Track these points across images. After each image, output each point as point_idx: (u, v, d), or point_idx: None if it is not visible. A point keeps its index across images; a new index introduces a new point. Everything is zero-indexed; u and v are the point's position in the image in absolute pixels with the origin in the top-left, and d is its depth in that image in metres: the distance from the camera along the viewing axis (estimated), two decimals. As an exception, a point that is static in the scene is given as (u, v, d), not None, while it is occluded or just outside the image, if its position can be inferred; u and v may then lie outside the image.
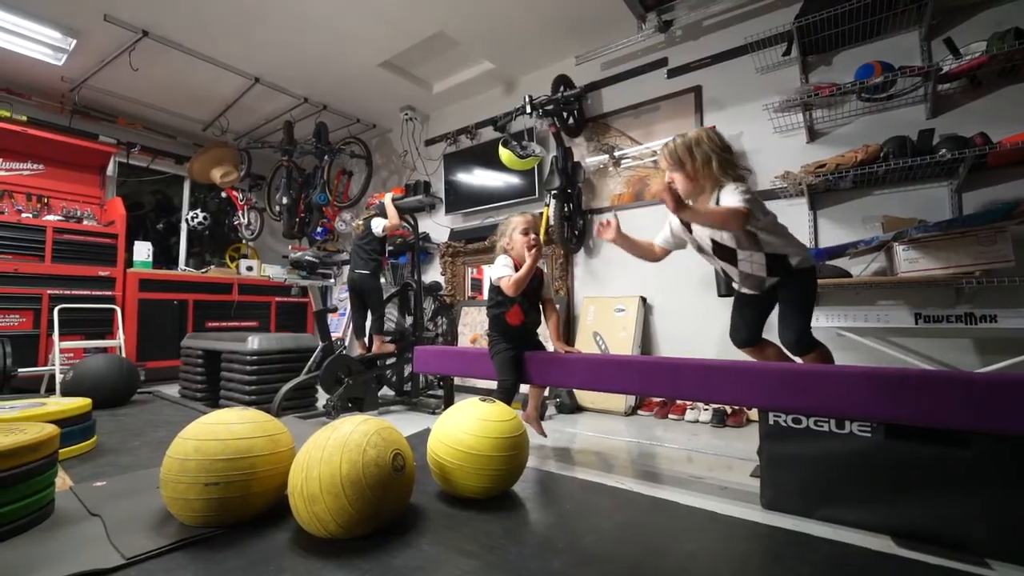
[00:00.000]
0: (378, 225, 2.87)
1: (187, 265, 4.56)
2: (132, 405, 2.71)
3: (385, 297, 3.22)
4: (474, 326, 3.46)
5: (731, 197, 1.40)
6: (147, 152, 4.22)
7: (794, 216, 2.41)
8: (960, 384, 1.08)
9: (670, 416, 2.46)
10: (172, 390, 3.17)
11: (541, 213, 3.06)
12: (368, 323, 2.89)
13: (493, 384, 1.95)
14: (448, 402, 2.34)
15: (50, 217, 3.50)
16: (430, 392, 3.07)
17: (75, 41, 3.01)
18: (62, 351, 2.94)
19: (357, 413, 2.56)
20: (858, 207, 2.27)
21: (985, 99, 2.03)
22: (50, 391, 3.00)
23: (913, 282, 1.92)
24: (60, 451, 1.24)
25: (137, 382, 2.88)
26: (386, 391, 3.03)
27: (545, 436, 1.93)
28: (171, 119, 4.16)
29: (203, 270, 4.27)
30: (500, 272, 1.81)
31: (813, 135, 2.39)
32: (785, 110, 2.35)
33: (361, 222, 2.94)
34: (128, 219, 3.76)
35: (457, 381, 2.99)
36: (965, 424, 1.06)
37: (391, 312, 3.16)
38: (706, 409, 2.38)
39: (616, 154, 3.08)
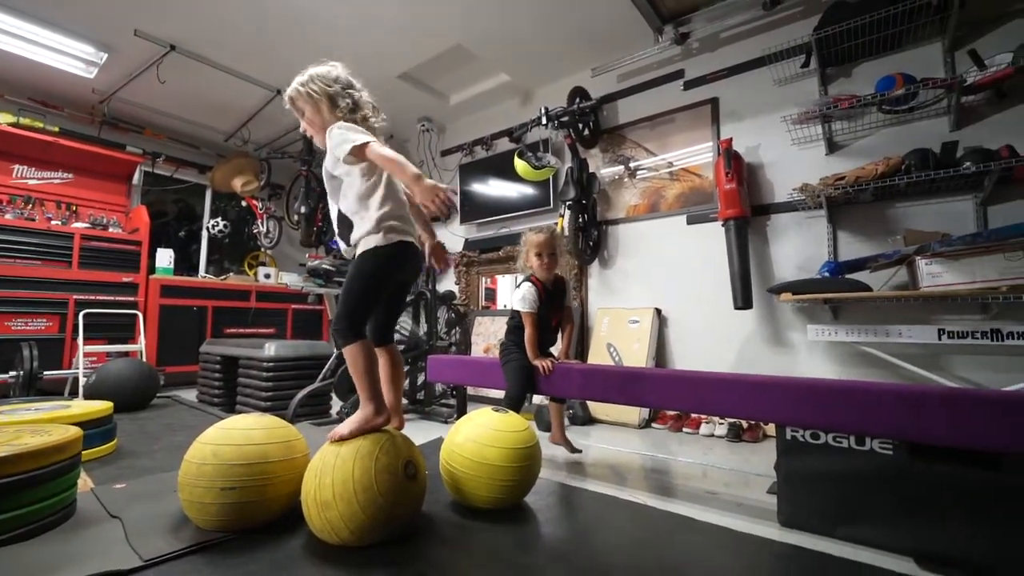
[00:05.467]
0: None
1: (207, 272, 4.66)
2: (152, 409, 2.77)
3: (399, 305, 3.24)
4: (488, 336, 3.46)
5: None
6: (171, 162, 4.35)
7: (813, 229, 2.38)
8: (988, 403, 1.04)
9: (684, 430, 2.42)
10: (190, 395, 3.22)
11: (556, 223, 3.07)
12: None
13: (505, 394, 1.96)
14: (461, 411, 2.34)
15: (78, 224, 3.61)
16: (443, 401, 3.08)
17: (107, 55, 3.13)
18: (86, 355, 3.02)
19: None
20: (879, 220, 2.23)
21: (1011, 111, 1.99)
22: (73, 394, 3.08)
23: (936, 297, 1.88)
24: (82, 453, 1.27)
25: (157, 386, 2.93)
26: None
27: (579, 451, 1.92)
28: (195, 130, 4.28)
29: (222, 277, 4.36)
30: (521, 306, 1.83)
31: (832, 147, 2.36)
32: (803, 122, 2.33)
33: None
34: (151, 227, 3.86)
35: (470, 391, 2.99)
36: (992, 444, 1.03)
37: (405, 321, 3.18)
38: (721, 423, 2.34)
39: (631, 165, 3.08)
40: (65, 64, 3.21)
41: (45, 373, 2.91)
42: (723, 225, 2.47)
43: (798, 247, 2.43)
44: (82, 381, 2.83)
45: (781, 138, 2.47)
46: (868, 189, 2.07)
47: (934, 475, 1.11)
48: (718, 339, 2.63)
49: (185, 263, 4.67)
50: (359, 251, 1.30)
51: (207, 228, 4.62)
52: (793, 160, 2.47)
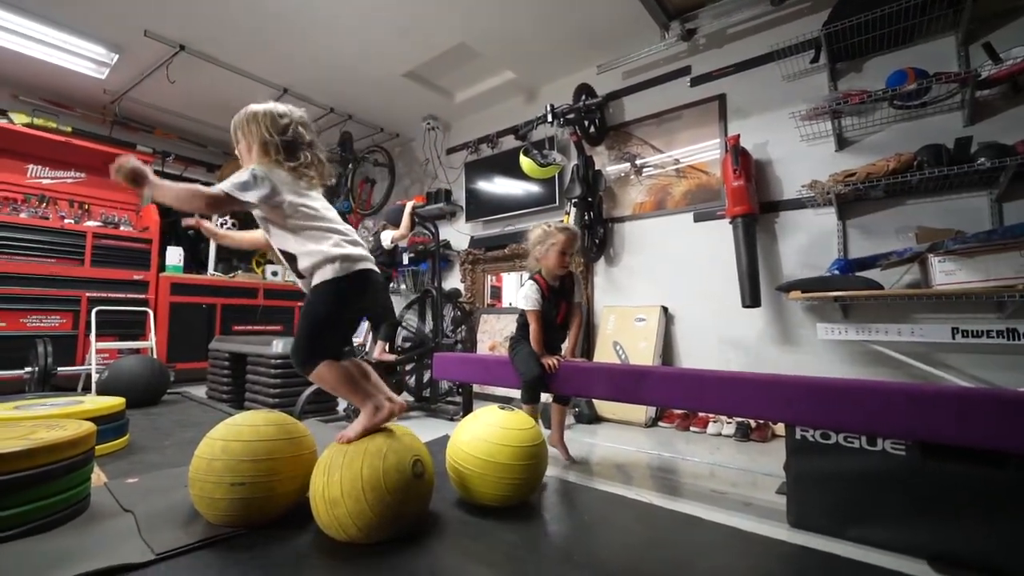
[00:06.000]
0: (386, 237, 2.91)
1: (216, 270, 4.70)
2: (162, 405, 2.80)
3: (406, 304, 3.26)
4: (493, 333, 3.47)
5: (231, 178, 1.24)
6: (181, 161, 4.39)
7: (822, 226, 2.36)
8: (1002, 402, 1.03)
9: (692, 429, 2.41)
10: (200, 391, 3.26)
11: (561, 220, 3.06)
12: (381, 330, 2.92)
13: (511, 392, 1.95)
14: (467, 409, 2.34)
15: (90, 223, 3.66)
16: (448, 399, 3.09)
17: (117, 56, 3.16)
18: (98, 351, 3.06)
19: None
20: (890, 217, 2.20)
21: (1026, 105, 1.95)
22: (86, 390, 3.12)
23: (950, 295, 1.85)
24: (96, 448, 1.29)
25: (167, 383, 2.97)
26: (405, 396, 3.05)
27: (573, 461, 1.91)
28: (203, 129, 4.32)
29: (231, 275, 4.40)
30: (525, 305, 1.83)
31: (842, 143, 2.33)
32: (813, 118, 2.30)
33: (372, 237, 2.99)
34: (161, 225, 3.90)
35: (476, 388, 3.00)
36: (1006, 444, 1.01)
37: (411, 318, 3.19)
38: (729, 422, 2.33)
39: (638, 162, 3.07)
40: (77, 65, 3.24)
41: (59, 369, 2.95)
42: (731, 222, 2.45)
43: (807, 245, 2.41)
44: (95, 377, 2.87)
45: (790, 134, 2.44)
46: (879, 186, 2.04)
47: (947, 475, 1.10)
48: (726, 337, 2.62)
49: (194, 261, 4.71)
50: (314, 282, 1.26)
51: (216, 226, 4.65)
52: (802, 157, 2.44)
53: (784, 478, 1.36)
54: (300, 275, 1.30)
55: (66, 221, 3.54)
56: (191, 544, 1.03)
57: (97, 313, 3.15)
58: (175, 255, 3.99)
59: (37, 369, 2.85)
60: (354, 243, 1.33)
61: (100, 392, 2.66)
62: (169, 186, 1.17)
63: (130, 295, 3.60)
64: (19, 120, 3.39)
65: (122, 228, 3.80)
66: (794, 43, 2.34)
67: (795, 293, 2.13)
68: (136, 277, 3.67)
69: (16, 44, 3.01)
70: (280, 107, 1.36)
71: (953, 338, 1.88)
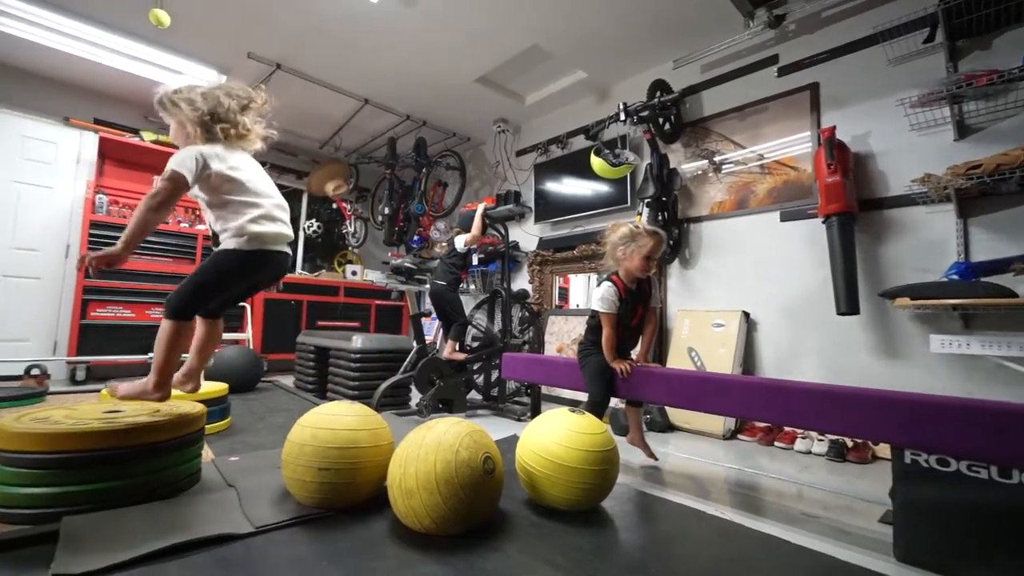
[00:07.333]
0: (459, 241, 2.98)
1: (302, 269, 5.09)
2: (257, 392, 3.07)
3: (476, 304, 3.33)
4: (560, 335, 3.44)
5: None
6: (274, 169, 4.81)
7: (936, 226, 2.09)
8: None
9: (776, 444, 2.24)
10: (288, 380, 3.54)
11: (634, 221, 2.97)
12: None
13: (578, 395, 1.92)
14: (535, 410, 2.34)
15: (200, 227, 4.10)
16: (516, 399, 3.11)
17: (225, 77, 3.52)
18: (205, 341, 3.42)
19: (447, 414, 2.67)
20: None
21: None
22: (195, 375, 3.50)
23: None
24: (205, 427, 1.44)
25: (261, 372, 3.26)
26: (473, 395, 3.11)
27: (656, 459, 1.85)
28: (293, 139, 4.70)
29: (315, 274, 4.75)
30: (600, 307, 1.76)
31: (963, 131, 2.06)
32: (927, 104, 2.05)
33: (445, 243, 3.09)
34: (258, 228, 4.29)
35: (543, 390, 2.99)
36: None
37: (480, 318, 3.25)
38: (821, 439, 2.14)
39: (717, 159, 2.91)
40: (192, 86, 3.66)
41: (174, 356, 3.33)
42: (824, 222, 2.25)
43: (917, 246, 2.15)
44: (202, 364, 3.20)
45: (896, 124, 2.20)
46: (1012, 178, 1.77)
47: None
48: (816, 347, 2.40)
49: (285, 261, 5.14)
50: (219, 247, 1.37)
51: (303, 229, 5.05)
52: (912, 148, 2.18)
53: (889, 506, 1.22)
54: (216, 242, 1.43)
55: (182, 225, 4.00)
56: (284, 521, 1.12)
57: (205, 307, 3.52)
58: (269, 255, 4.38)
59: (157, 355, 3.24)
60: (271, 219, 1.40)
61: (207, 378, 2.97)
62: (127, 232, 1.25)
63: (231, 291, 4.00)
64: (148, 137, 3.89)
65: (226, 231, 4.23)
66: (902, 22, 2.10)
67: (902, 300, 1.90)
68: (237, 275, 4.06)
69: (145, 71, 3.44)
70: (200, 83, 1.46)
71: (1111, 357, 1.59)
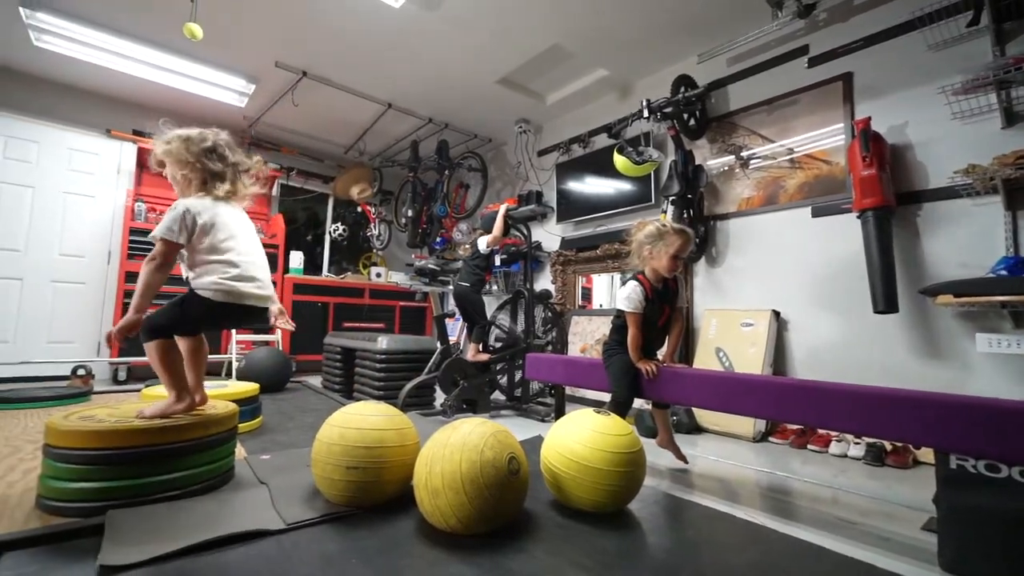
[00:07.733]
0: (482, 243, 2.99)
1: (329, 272, 5.20)
2: (286, 392, 3.16)
3: (498, 304, 3.33)
4: (584, 335, 3.42)
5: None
6: (301, 175, 4.93)
7: (982, 219, 1.99)
8: None
9: (809, 447, 2.17)
10: (316, 381, 3.62)
11: (659, 220, 2.93)
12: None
13: (603, 395, 1.89)
14: (559, 411, 2.33)
15: (232, 231, 4.24)
16: (539, 399, 3.10)
17: (255, 86, 3.63)
18: (237, 343, 3.54)
19: (471, 415, 2.68)
20: (1080, 205, 1.80)
21: None
22: (228, 375, 3.62)
23: None
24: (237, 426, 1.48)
25: (290, 372, 3.34)
26: (497, 395, 3.12)
27: (686, 463, 1.82)
28: (319, 144, 4.81)
29: (341, 276, 4.85)
30: (626, 306, 1.73)
31: (1012, 119, 1.94)
32: (971, 91, 1.95)
33: (468, 245, 3.10)
34: (285, 232, 4.41)
35: (567, 391, 2.97)
36: None
37: (503, 319, 3.26)
38: (857, 443, 2.06)
39: (744, 155, 2.83)
40: (224, 96, 3.78)
41: (208, 357, 3.45)
42: (859, 217, 2.17)
43: (960, 241, 2.05)
44: (234, 365, 3.31)
45: (937, 112, 2.10)
46: (1065, 167, 1.67)
47: None
48: (852, 347, 2.31)
49: (311, 264, 5.26)
50: (191, 288, 1.37)
51: (329, 232, 5.17)
52: (954, 137, 2.08)
53: (933, 513, 1.16)
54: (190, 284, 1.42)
55: (215, 230, 4.14)
56: (314, 518, 1.14)
57: (237, 309, 3.64)
58: (296, 259, 4.50)
59: (193, 356, 3.36)
60: (242, 279, 1.40)
61: (239, 378, 3.07)
62: (136, 298, 1.29)
63: (262, 294, 4.12)
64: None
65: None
66: (943, 5, 2.00)
67: (945, 297, 1.82)
68: (267, 278, 4.18)
69: (178, 83, 3.58)
70: (193, 132, 1.44)
71: None
